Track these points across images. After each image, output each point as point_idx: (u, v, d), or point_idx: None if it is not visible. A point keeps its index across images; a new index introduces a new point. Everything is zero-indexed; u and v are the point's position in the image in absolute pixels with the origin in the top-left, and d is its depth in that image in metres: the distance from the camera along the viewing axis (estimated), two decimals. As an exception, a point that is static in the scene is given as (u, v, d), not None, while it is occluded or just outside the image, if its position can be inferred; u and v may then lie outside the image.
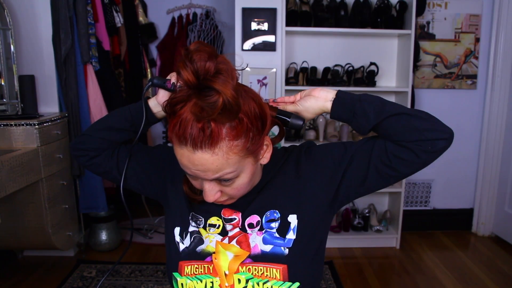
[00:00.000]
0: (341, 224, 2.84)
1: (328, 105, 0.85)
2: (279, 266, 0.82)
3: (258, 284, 0.81)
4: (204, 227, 0.88)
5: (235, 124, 0.72)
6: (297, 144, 0.95)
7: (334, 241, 2.78)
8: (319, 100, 0.86)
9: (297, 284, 0.82)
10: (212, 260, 0.84)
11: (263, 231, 0.85)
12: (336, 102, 0.84)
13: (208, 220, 0.88)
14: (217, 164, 0.72)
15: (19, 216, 2.22)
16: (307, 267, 0.85)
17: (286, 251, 0.83)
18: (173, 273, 0.87)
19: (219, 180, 0.76)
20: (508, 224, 2.86)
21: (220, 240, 0.85)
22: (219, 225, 0.87)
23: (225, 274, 0.82)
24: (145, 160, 0.97)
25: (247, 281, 0.82)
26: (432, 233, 3.05)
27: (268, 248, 0.83)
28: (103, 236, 2.68)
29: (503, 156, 2.89)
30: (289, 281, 0.81)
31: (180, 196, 0.91)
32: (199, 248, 0.86)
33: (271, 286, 0.81)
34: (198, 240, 0.87)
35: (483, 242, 2.94)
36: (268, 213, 0.86)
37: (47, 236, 2.25)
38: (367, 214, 2.85)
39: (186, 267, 0.85)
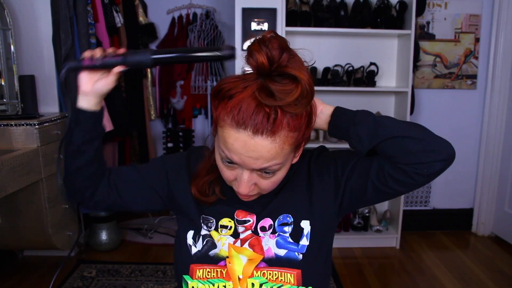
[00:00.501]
0: (341, 224, 2.84)
1: (324, 126, 0.84)
2: (294, 271, 0.82)
3: None
4: (216, 229, 0.87)
5: (298, 114, 0.71)
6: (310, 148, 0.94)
7: (334, 241, 2.72)
8: (318, 119, 0.85)
9: None
10: (225, 264, 0.83)
11: (276, 235, 0.85)
12: (331, 124, 0.83)
13: (220, 222, 0.87)
14: (272, 153, 0.71)
15: (19, 216, 2.22)
16: (319, 271, 0.86)
17: (300, 256, 0.83)
18: (184, 276, 0.86)
19: (262, 171, 0.74)
20: (508, 224, 2.86)
21: (232, 243, 0.85)
22: (231, 227, 0.86)
23: (239, 278, 0.82)
24: (142, 177, 0.92)
25: (261, 285, 0.82)
26: (432, 233, 3.05)
27: (282, 252, 0.83)
28: (103, 236, 2.68)
29: (503, 156, 2.90)
30: (302, 286, 0.82)
31: (189, 200, 0.89)
32: (212, 252, 0.85)
33: None
34: (211, 244, 0.86)
35: (483, 242, 2.95)
36: (281, 216, 0.86)
37: (47, 236, 2.25)
38: (367, 214, 2.86)
39: (198, 270, 0.84)
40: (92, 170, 0.88)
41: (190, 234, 0.88)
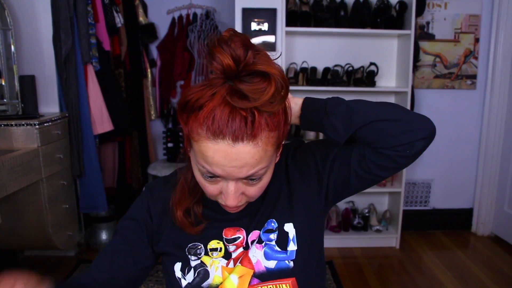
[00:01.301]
0: (341, 224, 2.85)
1: (296, 121, 0.80)
2: (288, 280, 0.78)
3: None
4: (206, 253, 0.81)
5: (275, 112, 0.67)
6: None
7: (334, 241, 2.78)
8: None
9: None
10: None
11: (263, 244, 0.80)
12: (303, 117, 0.79)
13: (208, 245, 0.81)
14: (257, 158, 0.66)
15: (19, 216, 2.22)
16: (313, 273, 0.82)
17: (291, 264, 0.79)
18: None
19: (247, 179, 0.70)
20: (508, 224, 2.86)
21: (225, 265, 0.80)
22: (221, 248, 0.81)
23: None
24: (124, 241, 0.84)
25: None
26: (432, 233, 3.05)
27: (272, 264, 0.79)
28: (103, 236, 2.68)
29: (503, 156, 2.90)
30: None
31: (173, 231, 0.83)
32: (206, 283, 0.79)
33: None
34: (203, 275, 0.80)
35: (482, 241, 2.95)
36: (265, 223, 0.81)
37: (48, 236, 2.26)
38: (367, 214, 2.86)
39: None
40: None
41: (178, 266, 0.82)
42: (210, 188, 0.72)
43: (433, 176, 3.02)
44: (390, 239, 2.84)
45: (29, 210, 2.21)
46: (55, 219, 2.29)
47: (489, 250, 2.81)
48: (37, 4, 2.36)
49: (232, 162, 0.65)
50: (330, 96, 0.80)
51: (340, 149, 0.80)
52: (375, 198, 2.98)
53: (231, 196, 0.71)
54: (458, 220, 3.11)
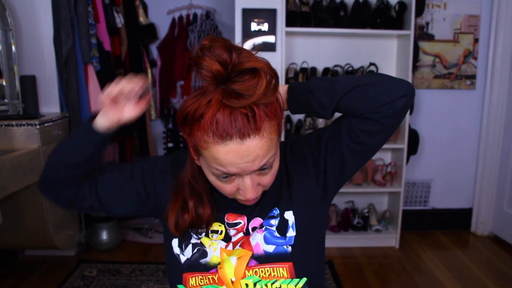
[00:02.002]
0: (340, 224, 2.85)
1: (284, 106, 0.83)
2: (285, 264, 0.81)
3: (266, 285, 0.80)
4: (207, 235, 0.85)
5: (270, 102, 0.70)
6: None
7: (334, 241, 2.79)
8: None
9: (305, 279, 0.82)
10: (216, 271, 0.82)
11: (263, 229, 0.84)
12: (290, 100, 0.82)
13: (210, 226, 0.85)
14: (265, 148, 0.70)
15: (20, 216, 2.23)
16: (311, 261, 0.85)
17: (289, 248, 0.82)
18: (178, 286, 0.84)
19: (260, 170, 0.74)
20: (507, 224, 2.87)
21: (224, 247, 0.83)
22: (222, 231, 0.85)
23: (232, 281, 0.81)
24: (125, 181, 0.87)
25: (255, 284, 0.80)
26: (431, 233, 3.06)
27: (271, 248, 0.82)
28: (104, 235, 2.69)
29: (502, 156, 2.90)
30: (296, 278, 0.81)
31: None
32: (203, 260, 0.83)
33: (280, 285, 0.80)
34: (202, 253, 0.84)
35: (482, 241, 2.95)
36: (270, 212, 0.85)
37: (48, 236, 2.26)
38: (367, 214, 2.87)
39: (190, 279, 0.83)
40: (83, 171, 0.83)
41: (175, 242, 0.85)
42: (228, 188, 0.76)
43: (433, 176, 3.03)
44: (390, 239, 2.84)
45: (30, 210, 2.22)
46: (56, 219, 2.29)
47: (488, 250, 2.81)
48: (38, 5, 2.37)
49: (244, 158, 0.69)
50: None
51: (330, 130, 0.83)
52: (374, 198, 2.99)
53: (250, 189, 0.75)
54: (458, 220, 3.11)
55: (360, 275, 2.45)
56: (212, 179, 0.77)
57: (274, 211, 0.85)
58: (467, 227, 3.11)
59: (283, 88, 0.83)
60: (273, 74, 0.69)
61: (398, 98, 0.74)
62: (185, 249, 0.85)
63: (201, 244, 0.84)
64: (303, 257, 0.83)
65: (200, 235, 0.85)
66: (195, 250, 0.84)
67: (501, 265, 2.59)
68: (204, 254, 0.83)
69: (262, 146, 0.70)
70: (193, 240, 0.85)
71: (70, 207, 0.89)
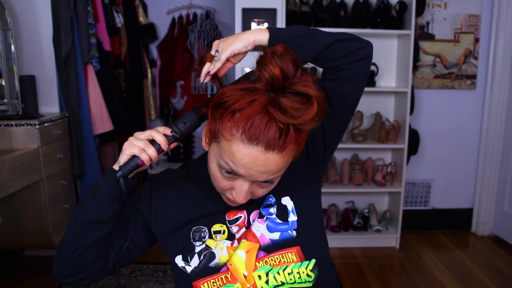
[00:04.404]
0: (340, 224, 2.85)
1: (262, 38, 0.79)
2: (293, 249, 0.83)
3: (278, 273, 0.81)
4: (210, 236, 0.85)
5: (307, 129, 0.71)
6: None
7: (334, 241, 2.78)
8: (248, 35, 0.79)
9: (314, 260, 0.83)
10: (227, 269, 0.82)
11: (264, 218, 0.85)
12: (271, 40, 0.78)
13: (212, 228, 0.85)
14: (280, 167, 0.72)
15: (20, 216, 2.23)
16: (316, 241, 0.87)
17: (294, 233, 0.84)
18: None
19: (262, 182, 0.74)
20: (508, 224, 2.86)
21: (230, 245, 0.84)
22: (224, 231, 0.85)
23: (244, 276, 0.81)
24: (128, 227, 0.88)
25: (267, 274, 0.81)
26: (432, 233, 3.05)
27: (276, 236, 0.83)
28: (104, 236, 2.68)
29: (502, 156, 2.90)
30: (306, 260, 0.83)
31: (175, 219, 0.87)
32: (213, 263, 0.83)
33: (292, 270, 0.81)
34: (209, 256, 0.84)
35: (482, 241, 2.95)
36: (264, 200, 0.87)
37: (48, 236, 2.26)
38: (367, 214, 2.86)
39: (202, 286, 0.82)
40: (109, 228, 0.83)
41: (179, 258, 0.86)
42: (223, 183, 0.76)
43: (433, 176, 3.03)
44: (390, 239, 2.84)
45: (29, 210, 2.21)
46: (55, 219, 2.29)
47: (489, 250, 2.81)
48: (37, 4, 2.36)
49: (258, 167, 0.70)
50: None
51: None
52: (375, 198, 2.98)
53: (243, 194, 0.75)
54: (458, 220, 3.11)
55: (360, 275, 2.45)
56: (214, 167, 0.76)
57: (270, 199, 0.86)
58: (467, 227, 3.11)
59: (261, 31, 0.80)
60: (324, 106, 0.69)
61: (363, 48, 0.84)
62: (190, 260, 0.85)
63: (207, 248, 0.84)
64: (309, 239, 0.85)
65: (204, 239, 0.85)
66: (202, 257, 0.84)
67: (501, 265, 2.59)
68: (212, 256, 0.84)
69: (278, 164, 0.71)
70: (197, 249, 0.85)
71: (96, 278, 0.91)
